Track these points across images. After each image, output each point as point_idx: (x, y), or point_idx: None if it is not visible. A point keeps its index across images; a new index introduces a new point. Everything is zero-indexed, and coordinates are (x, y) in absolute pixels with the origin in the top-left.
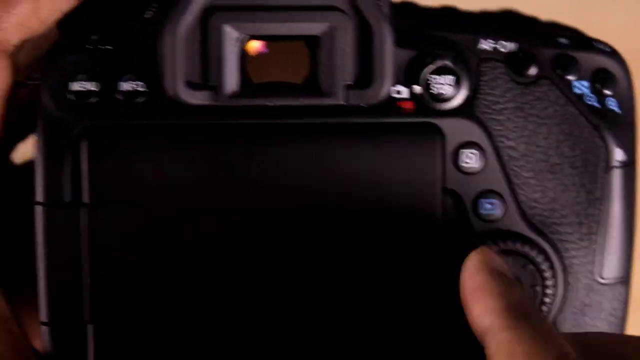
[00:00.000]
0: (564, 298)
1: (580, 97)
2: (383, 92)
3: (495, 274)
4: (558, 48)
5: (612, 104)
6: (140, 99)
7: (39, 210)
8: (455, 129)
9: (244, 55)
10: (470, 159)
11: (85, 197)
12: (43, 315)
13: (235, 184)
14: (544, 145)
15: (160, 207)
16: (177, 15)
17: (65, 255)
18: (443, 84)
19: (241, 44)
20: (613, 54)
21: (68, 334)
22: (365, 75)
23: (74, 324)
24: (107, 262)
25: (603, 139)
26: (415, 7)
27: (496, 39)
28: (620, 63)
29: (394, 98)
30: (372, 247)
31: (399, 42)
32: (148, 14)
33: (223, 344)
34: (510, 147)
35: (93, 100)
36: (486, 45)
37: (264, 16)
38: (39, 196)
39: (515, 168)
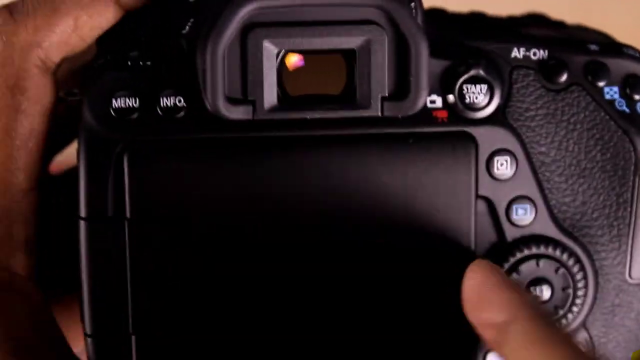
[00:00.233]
0: (595, 299)
1: (610, 102)
2: (419, 104)
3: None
4: (588, 55)
5: None
6: (180, 114)
7: (82, 225)
8: (488, 137)
9: (282, 69)
10: (503, 166)
11: (128, 212)
12: (87, 328)
13: (274, 196)
14: (574, 150)
15: (200, 220)
16: (218, 32)
17: (108, 269)
18: (476, 93)
19: (279, 58)
20: None
21: (112, 345)
22: (402, 87)
23: (117, 336)
24: (149, 275)
25: (633, 143)
26: (444, 13)
27: (528, 46)
28: None
29: (428, 108)
30: (408, 254)
31: (433, 52)
32: (185, 29)
33: (264, 354)
34: (542, 153)
35: (134, 116)
36: (518, 53)
37: (302, 31)
38: (82, 211)
39: (547, 173)
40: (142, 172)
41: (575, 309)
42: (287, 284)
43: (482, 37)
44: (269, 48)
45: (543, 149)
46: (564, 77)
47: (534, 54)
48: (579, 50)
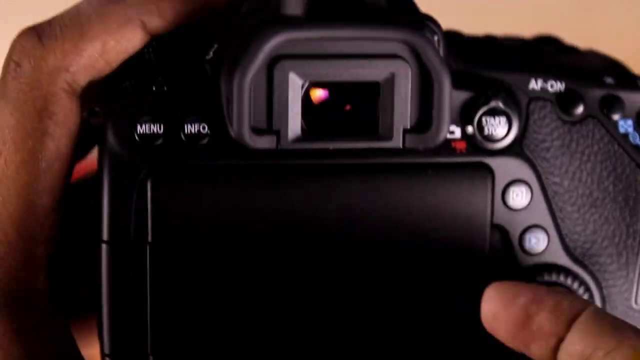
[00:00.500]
0: None
1: (624, 136)
2: (441, 137)
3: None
4: (604, 88)
5: None
6: (203, 141)
7: (104, 248)
8: (505, 167)
9: (307, 100)
10: (518, 196)
11: (150, 236)
12: (106, 347)
13: (295, 225)
14: (587, 181)
15: (221, 246)
16: (245, 63)
17: (128, 291)
18: (495, 125)
19: (305, 90)
20: None
21: None
22: (424, 120)
23: (135, 357)
24: (168, 298)
25: None
26: (460, 37)
27: (545, 78)
28: None
29: (448, 138)
30: (425, 281)
31: (454, 83)
32: (209, 55)
33: None
34: (556, 183)
35: (158, 141)
36: (536, 85)
37: (327, 64)
38: (105, 234)
39: (560, 203)
40: (165, 197)
41: None
42: (307, 312)
43: (501, 68)
44: (295, 80)
45: (557, 179)
46: (580, 110)
47: (551, 86)
48: (595, 83)
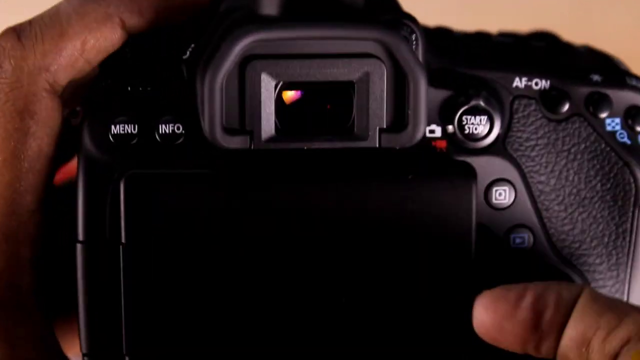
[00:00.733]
0: None
1: (612, 134)
2: (417, 136)
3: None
4: (591, 86)
5: None
6: (178, 141)
7: (79, 248)
8: (487, 167)
9: (280, 101)
10: (501, 195)
11: (123, 237)
12: (84, 347)
13: (268, 227)
14: (574, 180)
15: (193, 247)
16: (217, 63)
17: (103, 291)
18: (476, 124)
19: (278, 90)
20: None
21: None
22: (400, 119)
23: (111, 357)
24: (141, 299)
25: (633, 175)
26: (450, 33)
27: (530, 76)
28: None
29: (427, 137)
30: (407, 282)
31: (433, 82)
32: (186, 55)
33: None
34: (541, 182)
35: (132, 142)
36: (520, 82)
37: (300, 64)
38: (80, 235)
39: (546, 202)
40: (137, 198)
41: None
42: (279, 317)
43: (484, 65)
44: (267, 80)
45: (543, 178)
46: (565, 108)
47: (536, 84)
48: (581, 81)
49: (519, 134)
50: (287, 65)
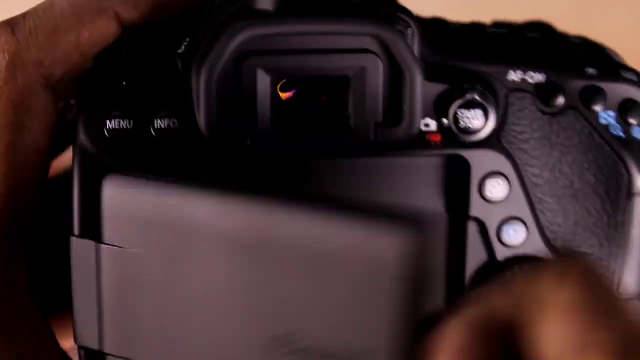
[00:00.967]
0: None
1: (606, 127)
2: (413, 130)
3: None
4: (586, 79)
5: (638, 134)
6: (173, 136)
7: (74, 242)
8: (482, 160)
9: (276, 96)
10: (495, 188)
11: (103, 235)
12: (76, 339)
13: (262, 226)
14: (568, 173)
15: (176, 247)
16: (213, 59)
17: (88, 287)
18: (471, 118)
19: (274, 86)
20: None
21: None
22: (396, 114)
23: (97, 351)
24: (119, 297)
25: (627, 167)
26: (445, 24)
27: (525, 70)
28: None
29: (423, 131)
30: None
31: (428, 76)
32: (181, 49)
33: None
34: (536, 175)
35: (128, 137)
36: (515, 76)
37: (296, 59)
38: (76, 230)
39: (539, 195)
40: (119, 196)
41: None
42: (254, 321)
43: (479, 59)
44: (263, 76)
45: (536, 170)
46: (560, 101)
47: (531, 78)
48: (576, 74)
49: (513, 128)
50: (283, 61)
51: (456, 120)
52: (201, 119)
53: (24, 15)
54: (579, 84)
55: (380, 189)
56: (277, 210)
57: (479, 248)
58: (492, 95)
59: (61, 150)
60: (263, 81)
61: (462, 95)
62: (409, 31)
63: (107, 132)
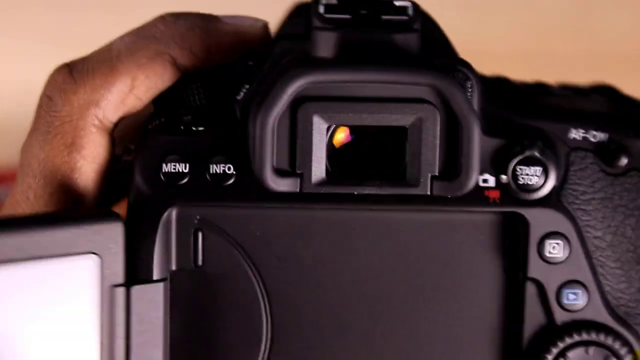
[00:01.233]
0: None
1: None
2: (469, 185)
3: None
4: None
5: None
6: (228, 182)
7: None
8: (541, 219)
9: (331, 144)
10: (555, 249)
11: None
12: None
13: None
14: (632, 237)
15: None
16: (269, 104)
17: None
18: (530, 175)
19: (329, 133)
20: None
21: None
22: (452, 167)
23: None
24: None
25: None
26: (508, 82)
27: (587, 128)
28: None
29: (481, 187)
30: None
31: (488, 130)
32: (240, 95)
33: None
34: (597, 237)
35: (183, 181)
36: (576, 134)
37: (352, 107)
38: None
39: (602, 258)
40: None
41: None
42: None
43: (539, 115)
44: (319, 123)
45: (599, 233)
46: (623, 162)
47: (593, 136)
48: (639, 134)
49: (575, 187)
50: (340, 108)
51: (515, 176)
52: (255, 164)
53: (83, 58)
54: None
55: (435, 244)
56: None
57: (538, 310)
58: (552, 153)
59: (120, 193)
60: (319, 127)
61: (522, 151)
62: (469, 84)
63: (163, 175)
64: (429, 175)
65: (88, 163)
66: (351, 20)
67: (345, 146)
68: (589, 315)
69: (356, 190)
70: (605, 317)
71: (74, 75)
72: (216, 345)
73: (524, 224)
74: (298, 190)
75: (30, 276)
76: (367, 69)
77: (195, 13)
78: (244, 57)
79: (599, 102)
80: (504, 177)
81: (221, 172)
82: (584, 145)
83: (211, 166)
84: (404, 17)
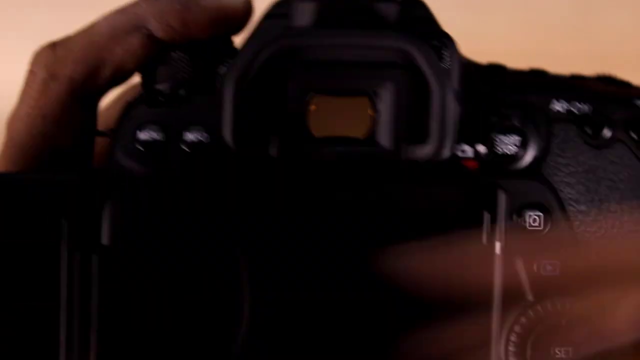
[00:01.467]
0: None
1: None
2: (443, 152)
3: None
4: (633, 110)
5: None
6: (204, 150)
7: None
8: (521, 190)
9: (303, 108)
10: (536, 221)
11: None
12: None
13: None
14: (616, 210)
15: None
16: (240, 70)
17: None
18: (509, 144)
19: (303, 98)
20: None
21: None
22: (425, 132)
23: None
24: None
25: None
26: (504, 70)
27: (569, 100)
28: None
29: (458, 157)
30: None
31: (466, 100)
32: (221, 69)
33: None
34: (581, 212)
35: (158, 150)
36: (559, 106)
37: (326, 72)
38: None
39: (586, 234)
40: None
41: None
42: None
43: (522, 89)
44: (293, 88)
45: (582, 207)
46: (606, 133)
47: (576, 108)
48: (623, 106)
49: (557, 159)
50: (313, 74)
51: (492, 145)
52: (226, 130)
53: (67, 36)
54: (626, 115)
55: (409, 211)
56: None
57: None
58: (532, 123)
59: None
60: (292, 92)
61: (500, 120)
62: (446, 52)
63: (138, 143)
64: (401, 139)
65: (64, 133)
66: None
67: (317, 111)
68: None
69: (328, 150)
70: None
71: (56, 51)
72: (194, 324)
73: (502, 194)
74: (274, 155)
75: None
76: (338, 33)
77: None
78: (229, 32)
79: (588, 80)
80: (481, 147)
81: (196, 140)
82: (566, 117)
83: (187, 134)
84: None
